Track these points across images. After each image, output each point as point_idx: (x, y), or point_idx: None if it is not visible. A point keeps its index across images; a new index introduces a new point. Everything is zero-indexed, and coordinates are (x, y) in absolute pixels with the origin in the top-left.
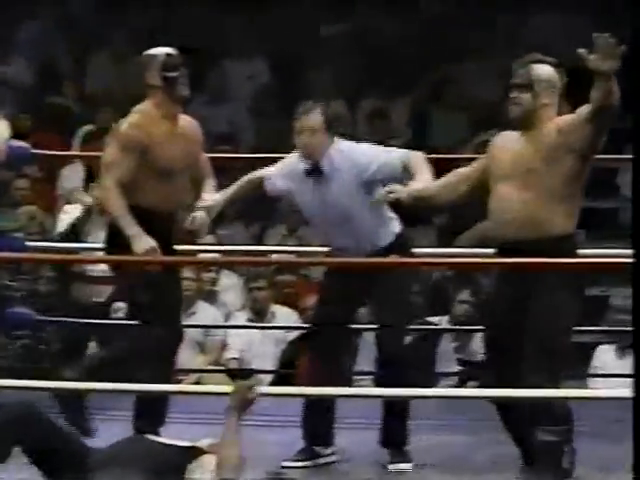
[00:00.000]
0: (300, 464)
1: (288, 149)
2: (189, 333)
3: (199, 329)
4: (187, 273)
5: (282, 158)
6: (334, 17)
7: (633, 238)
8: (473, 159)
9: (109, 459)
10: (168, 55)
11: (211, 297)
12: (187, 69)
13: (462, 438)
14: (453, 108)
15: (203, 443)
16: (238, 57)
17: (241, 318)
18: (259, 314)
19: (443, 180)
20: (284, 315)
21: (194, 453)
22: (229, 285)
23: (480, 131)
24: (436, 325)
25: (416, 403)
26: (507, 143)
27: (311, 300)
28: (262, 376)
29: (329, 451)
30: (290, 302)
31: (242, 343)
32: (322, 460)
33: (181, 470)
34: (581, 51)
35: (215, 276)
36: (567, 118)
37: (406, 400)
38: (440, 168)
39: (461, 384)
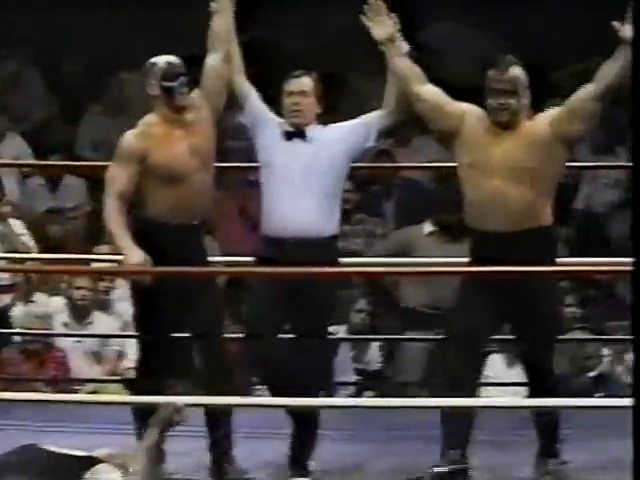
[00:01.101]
0: None
1: None
2: (85, 343)
3: (95, 339)
4: (82, 282)
5: None
6: (237, 26)
7: (633, 240)
8: (373, 167)
9: (1, 467)
10: (169, 64)
11: (106, 306)
12: (188, 76)
13: (361, 448)
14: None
15: (99, 453)
16: (137, 68)
17: None
18: None
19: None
20: None
21: (89, 462)
22: (124, 294)
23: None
24: (334, 334)
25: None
26: (488, 137)
27: None
28: None
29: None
30: None
31: None
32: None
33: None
34: (615, 23)
35: (110, 285)
36: (555, 110)
37: (317, 415)
38: None
39: (358, 394)
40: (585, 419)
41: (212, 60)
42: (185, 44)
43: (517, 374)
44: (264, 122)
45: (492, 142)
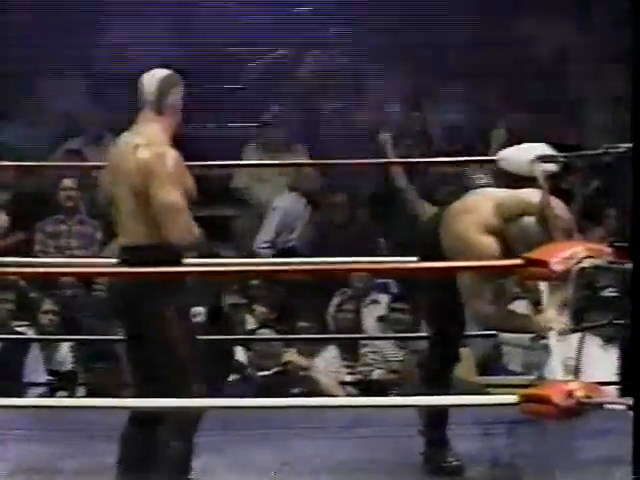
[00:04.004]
0: None
1: None
2: None
3: None
4: None
5: None
6: None
7: (632, 242)
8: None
9: None
10: None
11: None
12: None
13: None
14: (37, 123)
15: None
16: None
17: None
18: None
19: None
20: None
21: None
22: None
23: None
24: (23, 334)
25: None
26: None
27: None
28: None
29: None
30: None
31: None
32: None
33: None
34: None
35: None
36: None
37: None
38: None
39: (52, 394)
40: None
41: None
42: None
43: None
44: None
45: None
